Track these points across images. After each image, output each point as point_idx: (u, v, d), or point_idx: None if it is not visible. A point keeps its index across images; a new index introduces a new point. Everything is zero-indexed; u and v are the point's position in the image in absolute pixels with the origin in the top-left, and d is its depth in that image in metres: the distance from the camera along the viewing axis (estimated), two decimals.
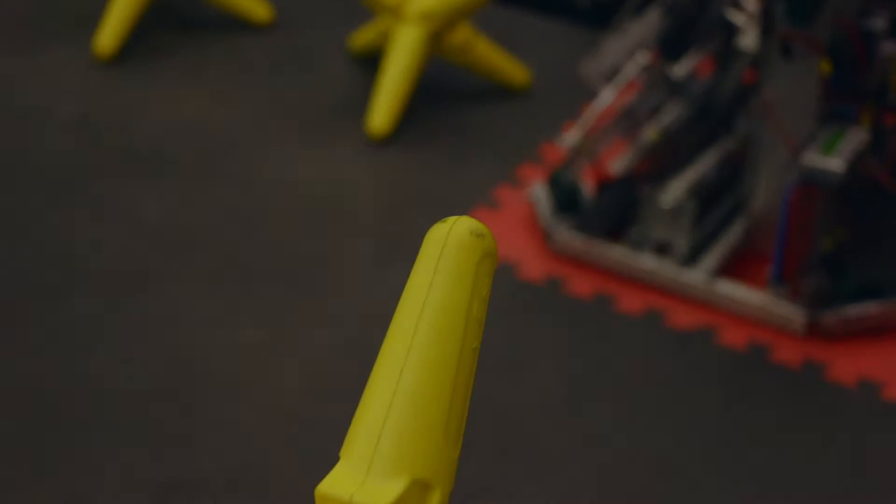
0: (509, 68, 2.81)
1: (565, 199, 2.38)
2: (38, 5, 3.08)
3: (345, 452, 1.00)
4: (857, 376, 2.15)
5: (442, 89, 2.84)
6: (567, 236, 2.35)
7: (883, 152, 2.18)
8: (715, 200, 2.38)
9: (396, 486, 0.97)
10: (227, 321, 2.23)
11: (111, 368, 2.13)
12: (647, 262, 2.30)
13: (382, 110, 2.65)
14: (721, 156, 2.39)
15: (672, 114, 2.39)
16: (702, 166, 2.36)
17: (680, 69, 2.38)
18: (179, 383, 2.10)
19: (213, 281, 2.31)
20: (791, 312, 2.20)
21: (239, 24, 3.02)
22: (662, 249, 2.32)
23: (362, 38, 2.89)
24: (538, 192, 2.43)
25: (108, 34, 2.86)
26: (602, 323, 2.25)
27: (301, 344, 2.19)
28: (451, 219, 1.02)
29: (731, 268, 2.33)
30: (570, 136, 2.35)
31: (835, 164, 2.05)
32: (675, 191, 2.29)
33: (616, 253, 2.32)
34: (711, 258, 2.31)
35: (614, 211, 2.36)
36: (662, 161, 2.38)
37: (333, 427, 2.03)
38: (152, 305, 2.25)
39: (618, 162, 2.39)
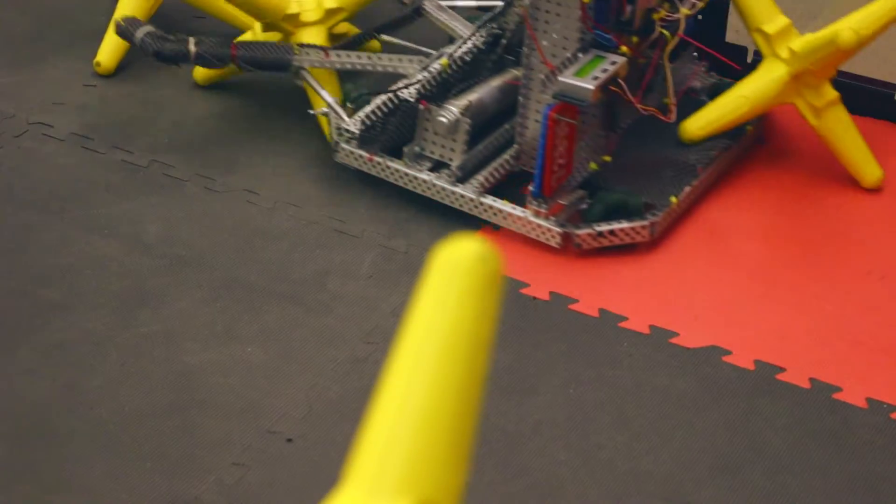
0: None
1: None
2: (39, 21, 3.08)
3: (350, 473, 0.98)
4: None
5: None
6: (351, 151, 2.54)
7: (639, 80, 2.44)
8: (495, 125, 2.56)
9: None
10: (228, 340, 2.21)
11: (112, 387, 2.11)
12: (424, 176, 2.49)
13: None
14: (502, 83, 2.56)
15: (460, 44, 2.60)
16: (480, 91, 2.53)
17: None
18: (181, 402, 2.08)
19: (214, 299, 2.29)
20: (548, 226, 2.40)
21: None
22: (439, 166, 2.50)
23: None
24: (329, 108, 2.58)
25: (108, 49, 2.85)
26: (606, 340, 2.23)
27: (303, 363, 2.17)
28: (458, 239, 1.01)
29: (507, 187, 2.51)
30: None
31: (587, 83, 2.28)
32: (451, 110, 2.46)
33: (396, 166, 2.51)
34: (481, 176, 2.50)
35: (399, 129, 2.54)
36: (453, 87, 2.56)
37: (336, 447, 2.02)
38: (152, 324, 2.23)
39: (409, 88, 2.55)
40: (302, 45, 2.59)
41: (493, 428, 2.05)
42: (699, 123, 2.60)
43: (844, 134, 2.59)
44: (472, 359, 0.99)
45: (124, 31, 2.56)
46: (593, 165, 2.48)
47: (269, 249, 2.42)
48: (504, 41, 2.60)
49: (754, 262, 2.41)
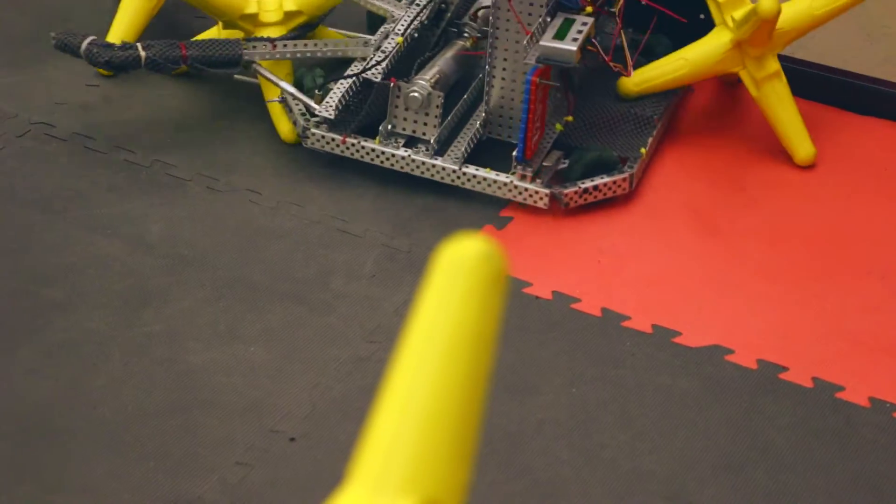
0: None
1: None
2: (39, 21, 3.07)
3: (354, 472, 0.97)
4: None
5: None
6: (322, 135, 2.55)
7: (605, 39, 2.54)
8: (456, 96, 2.63)
9: None
10: (231, 339, 2.21)
11: (115, 387, 2.11)
12: (401, 153, 2.53)
13: None
14: (454, 53, 2.66)
15: (410, 21, 2.66)
16: (440, 63, 2.61)
17: None
18: (184, 402, 2.08)
19: (217, 299, 2.29)
20: (535, 188, 2.47)
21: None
22: (413, 142, 2.54)
23: None
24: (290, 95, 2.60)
25: None
26: (609, 339, 2.23)
27: (306, 362, 2.17)
28: (462, 238, 1.00)
29: (472, 154, 2.57)
30: None
31: (569, 45, 2.38)
32: (422, 84, 2.52)
33: (371, 146, 2.54)
34: (458, 146, 2.55)
35: (370, 109, 2.56)
36: (407, 63, 2.62)
37: (339, 446, 2.02)
38: (155, 323, 2.23)
39: (375, 70, 2.60)
40: (248, 40, 2.61)
41: (496, 427, 2.04)
42: (636, 80, 2.68)
43: (780, 108, 2.64)
44: (475, 358, 0.98)
45: (65, 45, 2.50)
46: (559, 127, 2.57)
47: (272, 249, 2.42)
48: (448, 14, 2.70)
49: (755, 261, 2.41)
